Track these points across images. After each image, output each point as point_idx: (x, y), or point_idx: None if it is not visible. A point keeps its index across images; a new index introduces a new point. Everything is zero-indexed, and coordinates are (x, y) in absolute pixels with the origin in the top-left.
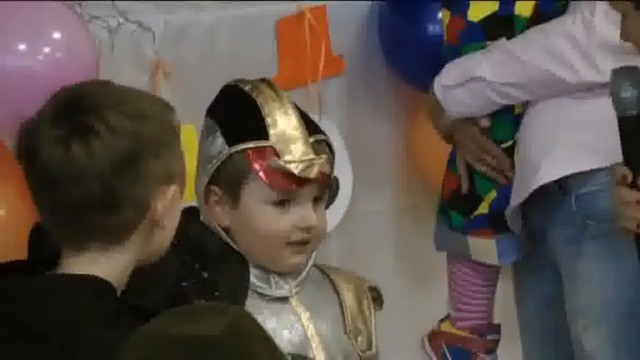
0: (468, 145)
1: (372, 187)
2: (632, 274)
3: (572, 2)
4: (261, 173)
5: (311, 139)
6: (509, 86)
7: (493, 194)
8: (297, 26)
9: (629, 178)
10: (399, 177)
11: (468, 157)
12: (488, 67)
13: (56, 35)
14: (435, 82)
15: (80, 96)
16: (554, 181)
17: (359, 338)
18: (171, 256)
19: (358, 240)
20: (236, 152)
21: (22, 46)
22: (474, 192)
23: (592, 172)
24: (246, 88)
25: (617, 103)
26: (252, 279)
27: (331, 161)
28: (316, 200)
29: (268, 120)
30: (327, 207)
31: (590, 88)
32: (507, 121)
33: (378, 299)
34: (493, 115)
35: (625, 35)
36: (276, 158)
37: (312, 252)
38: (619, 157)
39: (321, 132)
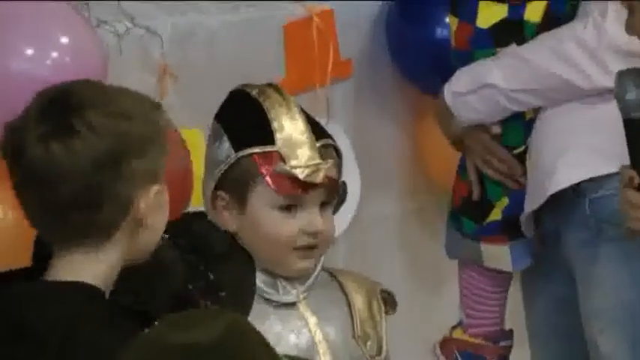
0: (479, 152)
1: (379, 190)
2: None
3: (581, 6)
4: (267, 178)
5: (318, 144)
6: (521, 92)
7: (505, 201)
8: (305, 30)
9: (636, 181)
10: (407, 180)
11: (479, 163)
12: (500, 74)
13: (64, 40)
14: (444, 89)
15: (65, 95)
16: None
17: (368, 343)
18: (177, 258)
19: (366, 243)
20: (242, 157)
21: (29, 51)
22: (485, 198)
23: (607, 176)
24: (253, 92)
25: (622, 105)
26: (259, 284)
27: (338, 166)
28: (323, 205)
29: (275, 125)
30: (335, 211)
31: (603, 92)
32: (518, 127)
33: (390, 303)
34: (504, 122)
35: (630, 29)
36: (282, 163)
37: (320, 256)
38: None
39: (329, 136)
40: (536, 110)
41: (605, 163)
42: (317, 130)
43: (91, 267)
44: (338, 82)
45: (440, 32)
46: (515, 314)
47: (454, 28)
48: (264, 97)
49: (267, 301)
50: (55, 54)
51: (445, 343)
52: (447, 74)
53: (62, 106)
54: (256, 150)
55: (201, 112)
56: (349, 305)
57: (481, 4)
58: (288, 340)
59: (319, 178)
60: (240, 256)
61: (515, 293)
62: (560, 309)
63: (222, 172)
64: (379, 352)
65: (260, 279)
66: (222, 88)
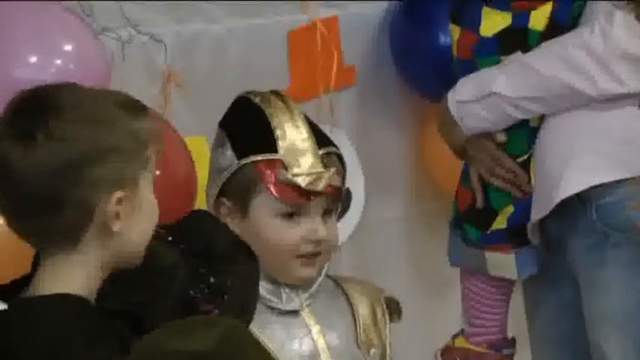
0: (484, 160)
1: (383, 196)
2: None
3: (585, 13)
4: (269, 186)
5: (320, 152)
6: (528, 100)
7: (510, 208)
8: (309, 37)
9: None
10: (411, 185)
11: (484, 171)
12: (505, 82)
13: (67, 47)
14: (448, 97)
15: (33, 98)
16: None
17: (372, 350)
18: (178, 262)
19: (370, 249)
20: (245, 165)
21: (33, 58)
22: (489, 206)
23: (613, 182)
24: (257, 100)
25: None
26: (262, 292)
27: (342, 173)
28: (326, 212)
29: (277, 132)
30: (339, 218)
31: (608, 98)
32: (523, 134)
33: (395, 310)
34: (509, 129)
35: None
36: (284, 171)
37: (323, 264)
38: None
39: (332, 144)
40: (541, 117)
41: (612, 170)
42: (320, 138)
43: (71, 274)
44: (342, 88)
45: (444, 39)
46: (516, 320)
47: (456, 36)
48: (268, 105)
49: (270, 308)
50: (58, 61)
51: (447, 352)
52: (450, 81)
53: (30, 109)
54: (259, 158)
55: (205, 119)
56: (353, 313)
57: (484, 13)
58: (290, 347)
59: (321, 186)
60: (243, 255)
61: (516, 298)
62: (564, 316)
63: (224, 179)
64: (383, 359)
65: (263, 286)
66: (226, 95)
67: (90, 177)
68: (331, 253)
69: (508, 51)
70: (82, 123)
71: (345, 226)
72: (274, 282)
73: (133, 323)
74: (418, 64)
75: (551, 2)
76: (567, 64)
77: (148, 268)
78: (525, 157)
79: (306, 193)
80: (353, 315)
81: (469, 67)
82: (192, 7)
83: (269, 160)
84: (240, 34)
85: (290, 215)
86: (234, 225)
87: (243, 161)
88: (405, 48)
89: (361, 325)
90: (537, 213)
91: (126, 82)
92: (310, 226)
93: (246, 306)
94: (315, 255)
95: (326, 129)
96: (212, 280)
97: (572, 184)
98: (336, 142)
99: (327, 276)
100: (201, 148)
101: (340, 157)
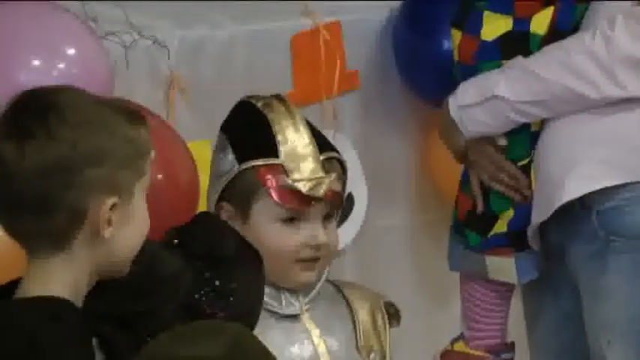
0: (485, 165)
1: (386, 203)
2: None
3: (586, 17)
4: (270, 191)
5: (322, 157)
6: (529, 104)
7: (510, 213)
8: (312, 42)
9: None
10: (414, 192)
11: (484, 176)
12: (507, 86)
13: (71, 51)
14: (449, 102)
15: (32, 98)
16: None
17: (372, 355)
18: (183, 267)
19: (372, 255)
20: (246, 169)
21: (36, 62)
22: (489, 210)
23: (615, 187)
24: (259, 104)
25: None
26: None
27: (343, 179)
28: (327, 218)
29: (279, 137)
30: (341, 223)
31: (610, 103)
32: (524, 138)
33: (395, 315)
34: (509, 134)
35: None
36: (285, 176)
37: (323, 269)
38: None
39: (333, 149)
40: (542, 122)
41: (614, 175)
42: (321, 143)
43: (58, 277)
44: (345, 93)
45: (447, 44)
46: (515, 326)
47: (457, 41)
48: (269, 110)
49: (271, 312)
50: (62, 65)
51: (446, 356)
52: (453, 86)
53: (29, 109)
54: (260, 162)
55: (209, 124)
56: (353, 318)
57: (486, 17)
58: (290, 351)
59: (322, 191)
60: (248, 257)
61: (516, 304)
62: (564, 326)
63: (225, 183)
64: None
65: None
66: (230, 101)
67: (84, 179)
68: (331, 258)
69: (509, 55)
70: (80, 125)
71: (348, 232)
72: (274, 286)
73: (132, 328)
74: (421, 70)
75: (552, 7)
76: (569, 68)
77: (153, 276)
78: (526, 161)
79: (307, 199)
80: (353, 320)
81: (470, 71)
82: (196, 13)
83: (270, 165)
84: (243, 39)
85: (290, 220)
86: None
87: (244, 166)
88: (408, 53)
89: (361, 330)
90: (538, 217)
91: (129, 87)
92: (310, 232)
93: (251, 309)
94: (314, 260)
95: (329, 134)
96: (217, 283)
97: (573, 189)
98: (338, 148)
99: (328, 281)
100: (204, 153)
101: (342, 162)
